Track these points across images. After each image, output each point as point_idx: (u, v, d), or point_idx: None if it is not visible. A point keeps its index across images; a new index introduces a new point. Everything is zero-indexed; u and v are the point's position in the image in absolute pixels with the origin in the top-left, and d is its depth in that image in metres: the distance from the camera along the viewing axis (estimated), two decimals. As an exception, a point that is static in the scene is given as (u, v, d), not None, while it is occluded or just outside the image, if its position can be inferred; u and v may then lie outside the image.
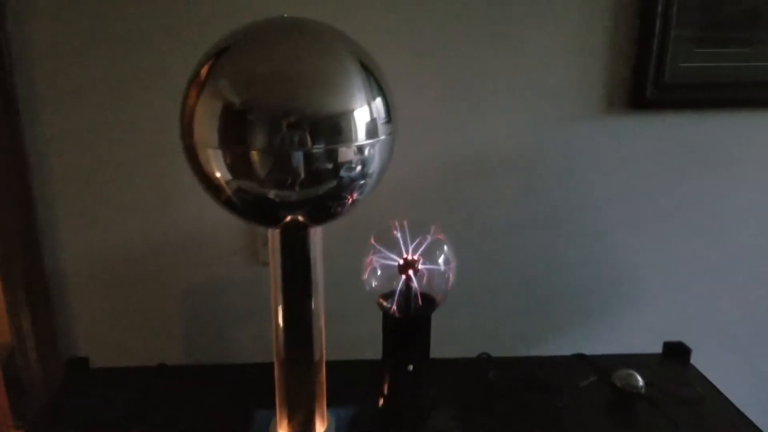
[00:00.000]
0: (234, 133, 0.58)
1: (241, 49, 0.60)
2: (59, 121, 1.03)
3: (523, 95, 1.08)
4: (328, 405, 0.80)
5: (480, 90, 1.07)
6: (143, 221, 1.09)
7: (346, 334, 1.10)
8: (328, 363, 0.77)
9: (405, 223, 0.69)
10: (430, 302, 0.72)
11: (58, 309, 1.13)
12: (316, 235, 0.69)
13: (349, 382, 0.85)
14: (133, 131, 1.04)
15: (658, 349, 1.07)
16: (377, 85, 0.62)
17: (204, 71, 0.59)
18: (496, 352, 1.03)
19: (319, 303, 0.72)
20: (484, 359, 1.02)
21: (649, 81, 1.05)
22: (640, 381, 0.91)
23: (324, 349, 0.75)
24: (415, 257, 0.69)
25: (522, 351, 1.20)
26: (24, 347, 1.12)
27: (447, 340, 1.10)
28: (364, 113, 0.60)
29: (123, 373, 1.02)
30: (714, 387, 0.97)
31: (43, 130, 1.04)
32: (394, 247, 0.69)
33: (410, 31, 1.04)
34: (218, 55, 0.60)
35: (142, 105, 1.03)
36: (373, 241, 0.69)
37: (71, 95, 1.02)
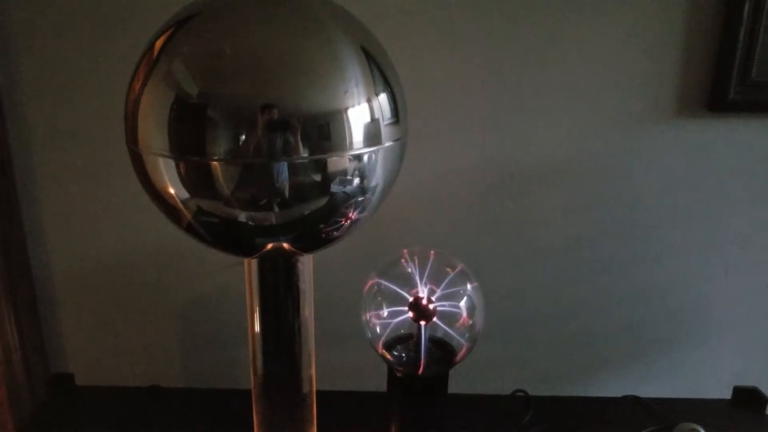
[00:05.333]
0: (189, 135, 0.44)
1: (205, 21, 0.47)
2: (45, 111, 0.96)
3: (578, 93, 0.94)
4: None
5: (522, 86, 0.93)
6: (138, 224, 1.01)
7: (343, 361, 1.02)
8: (321, 395, 0.66)
9: (417, 252, 0.55)
10: (448, 354, 0.57)
11: (45, 320, 1.07)
12: (306, 264, 0.56)
13: (347, 421, 0.75)
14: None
15: (727, 394, 0.95)
16: (382, 76, 0.48)
17: (156, 47, 0.46)
18: (534, 391, 0.93)
19: (308, 332, 0.59)
20: (520, 398, 0.92)
21: (733, 78, 0.90)
22: None
23: (314, 383, 0.63)
24: (431, 297, 0.55)
25: (565, 390, 1.07)
26: (10, 360, 1.05)
27: (476, 373, 1.01)
28: (362, 112, 0.46)
29: (111, 393, 0.96)
30: None
31: (26, 120, 0.96)
32: (403, 283, 0.55)
33: (436, 11, 0.89)
34: (177, 26, 0.46)
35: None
36: (375, 277, 0.55)
37: (58, 81, 0.94)
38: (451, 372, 0.63)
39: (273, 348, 0.59)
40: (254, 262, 0.55)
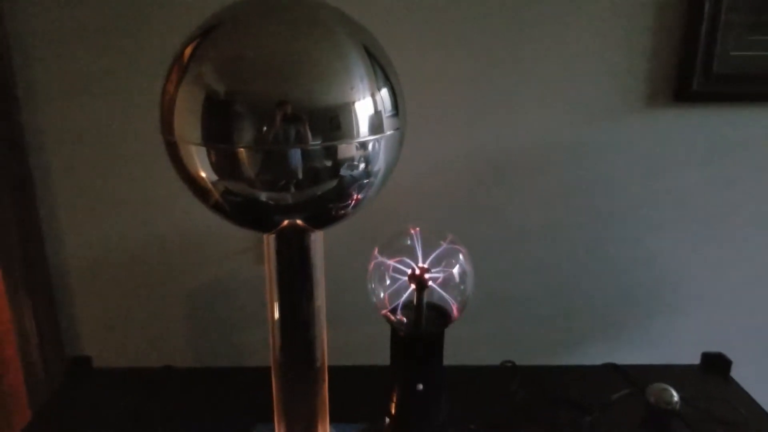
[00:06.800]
0: (219, 127, 0.51)
1: (229, 29, 0.53)
2: (59, 109, 1.00)
3: (554, 88, 1.00)
4: (332, 417, 0.73)
5: (506, 82, 1.00)
6: (148, 214, 1.06)
7: (351, 339, 1.08)
8: (331, 369, 0.72)
9: (418, 230, 0.62)
10: (443, 316, 0.65)
11: (61, 306, 1.11)
12: (318, 240, 0.63)
13: (354, 391, 0.80)
14: (138, 124, 1.01)
15: (695, 359, 1.02)
16: (383, 74, 0.55)
17: (186, 54, 0.53)
18: (521, 361, 0.99)
19: (320, 309, 0.66)
20: (508, 368, 0.97)
21: (696, 71, 0.97)
22: (675, 396, 0.85)
23: (326, 358, 0.70)
24: (427, 267, 0.62)
25: (550, 360, 1.13)
26: (27, 344, 1.10)
27: (468, 347, 1.08)
28: (367, 105, 0.53)
29: (127, 373, 1.00)
30: (756, 404, 0.91)
31: (42, 118, 1.01)
32: (404, 255, 0.62)
33: (429, 14, 0.96)
34: (203, 35, 0.53)
35: (146, 97, 0.98)
36: (379, 251, 0.63)
37: (72, 82, 0.99)
38: (446, 345, 0.69)
39: (289, 315, 0.65)
40: (272, 238, 0.61)
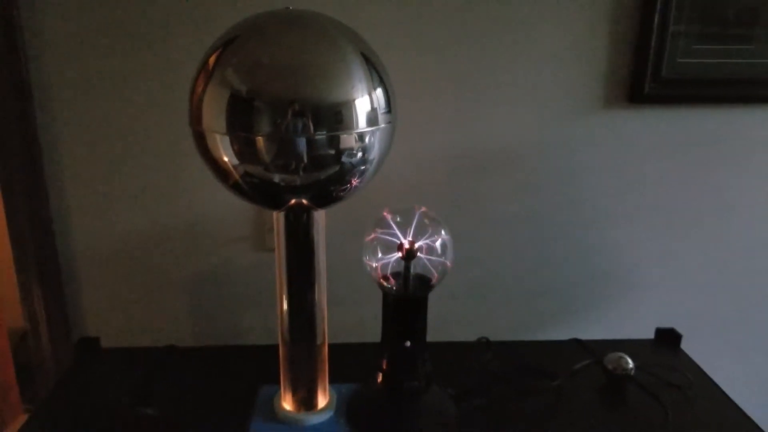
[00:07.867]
0: (241, 119, 0.61)
1: (247, 40, 0.63)
2: (71, 109, 1.05)
3: (524, 90, 1.09)
4: (331, 382, 0.83)
5: (481, 85, 1.08)
6: (152, 207, 1.11)
7: (349, 318, 1.14)
8: (330, 345, 0.80)
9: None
10: (427, 283, 0.75)
11: (69, 292, 1.15)
12: (320, 218, 0.72)
13: (351, 361, 0.88)
14: (143, 119, 1.07)
15: (650, 334, 1.09)
16: (378, 76, 0.65)
17: (212, 60, 0.62)
18: (495, 337, 1.05)
19: (321, 286, 0.75)
20: (483, 343, 1.04)
21: (648, 76, 1.06)
22: (630, 364, 0.93)
23: (326, 332, 0.78)
24: (414, 240, 0.72)
25: (521, 336, 1.21)
26: (36, 330, 1.15)
27: (449, 326, 1.18)
28: (364, 102, 0.63)
29: (133, 353, 1.04)
30: (702, 372, 0.99)
31: (55, 117, 1.06)
32: (394, 232, 0.72)
33: (415, 25, 1.05)
34: (225, 45, 0.63)
35: (151, 94, 1.05)
36: (373, 228, 0.72)
37: (83, 84, 1.04)
38: (429, 325, 0.77)
39: (295, 288, 0.74)
40: (281, 215, 0.71)
